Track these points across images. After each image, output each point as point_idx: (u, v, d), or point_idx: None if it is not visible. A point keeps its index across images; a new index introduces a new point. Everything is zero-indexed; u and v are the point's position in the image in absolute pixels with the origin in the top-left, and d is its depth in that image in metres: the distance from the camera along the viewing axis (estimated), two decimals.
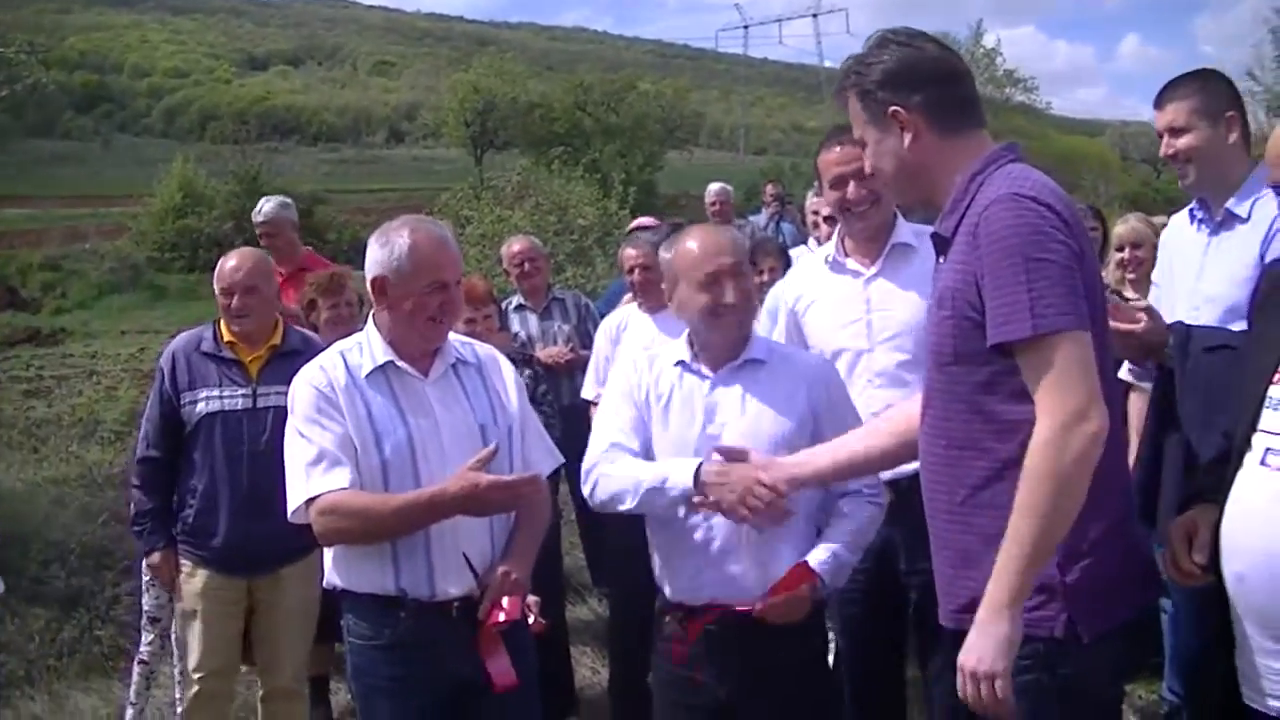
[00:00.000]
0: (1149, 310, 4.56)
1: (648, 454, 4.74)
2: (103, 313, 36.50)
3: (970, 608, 3.42)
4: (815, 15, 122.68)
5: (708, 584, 4.60)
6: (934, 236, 3.78)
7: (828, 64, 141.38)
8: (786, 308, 5.72)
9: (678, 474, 4.46)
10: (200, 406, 6.44)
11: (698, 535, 4.62)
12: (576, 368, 9.08)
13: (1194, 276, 5.36)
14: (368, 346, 4.70)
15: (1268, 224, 5.10)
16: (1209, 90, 5.40)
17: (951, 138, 3.68)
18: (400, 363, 4.66)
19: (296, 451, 4.54)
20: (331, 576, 4.72)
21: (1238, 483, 3.23)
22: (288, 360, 6.33)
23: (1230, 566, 3.24)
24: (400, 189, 70.69)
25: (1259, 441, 3.17)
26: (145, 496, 6.55)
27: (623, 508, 4.61)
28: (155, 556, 6.52)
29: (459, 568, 4.57)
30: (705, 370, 4.76)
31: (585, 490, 4.76)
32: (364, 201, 64.31)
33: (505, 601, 4.50)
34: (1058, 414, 3.29)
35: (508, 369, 5.04)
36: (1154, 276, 6.15)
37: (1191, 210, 5.61)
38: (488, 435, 4.70)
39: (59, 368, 22.55)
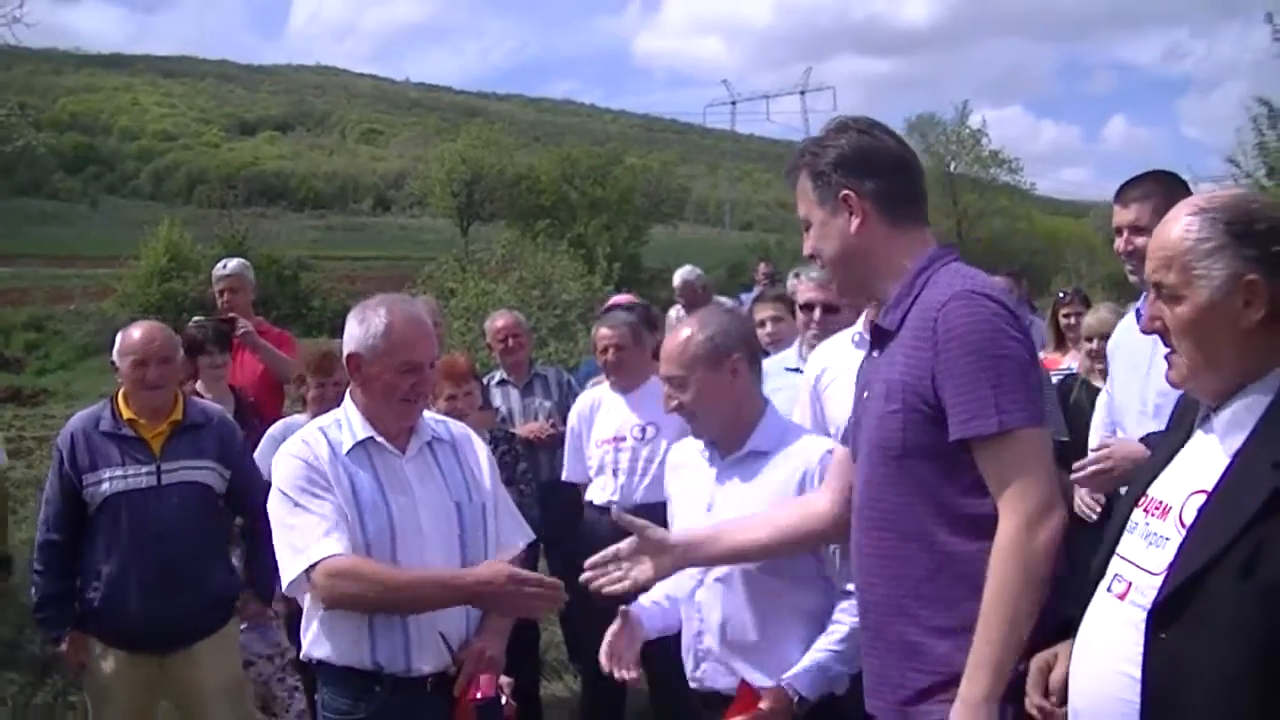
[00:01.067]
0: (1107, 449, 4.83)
1: None
2: (85, 374, 36.27)
3: (919, 698, 3.49)
4: (803, 92, 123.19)
5: (706, 676, 4.61)
6: (874, 329, 3.80)
7: None
8: (808, 385, 5.68)
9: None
10: (104, 487, 6.21)
11: (692, 627, 4.65)
12: (557, 444, 8.85)
13: (1143, 376, 5.31)
14: (346, 423, 4.67)
15: None
16: (1171, 193, 5.18)
17: (898, 228, 3.71)
18: (379, 439, 4.63)
19: (291, 520, 4.48)
20: (310, 649, 4.65)
21: (1089, 609, 3.11)
22: (190, 434, 6.38)
23: (1072, 702, 3.12)
24: (386, 257, 70.95)
25: (1113, 566, 3.06)
26: (47, 581, 6.32)
27: None
28: (63, 643, 6.31)
29: (435, 642, 4.54)
30: (717, 457, 4.69)
31: None
32: (350, 269, 64.64)
33: (481, 679, 4.52)
34: (1023, 510, 3.34)
35: (480, 446, 5.03)
36: (1107, 381, 6.18)
37: (1138, 310, 5.52)
38: (463, 513, 4.69)
39: (40, 428, 22.53)
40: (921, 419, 3.52)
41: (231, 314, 9.67)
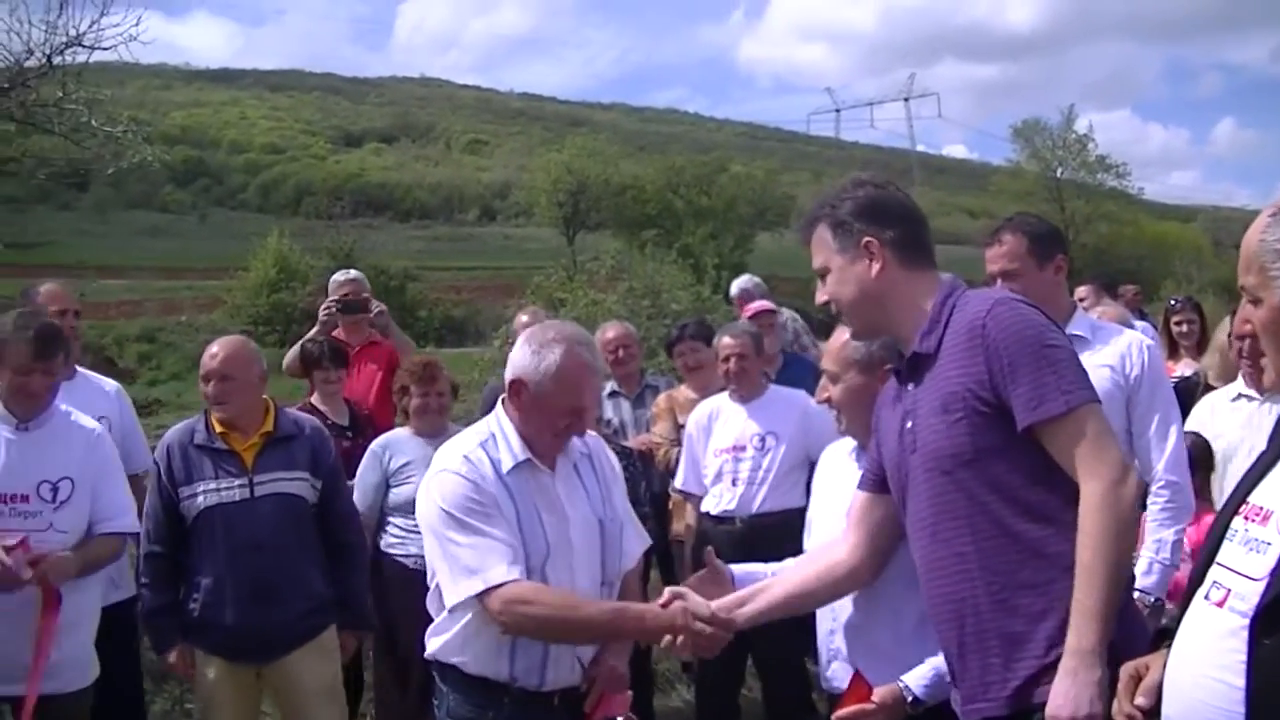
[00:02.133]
0: None
1: None
2: (196, 385, 36.70)
3: (1029, 685, 3.67)
4: (907, 99, 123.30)
5: (835, 676, 4.74)
6: (913, 357, 4.00)
7: (920, 148, 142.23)
8: None
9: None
10: (199, 500, 6.33)
11: (825, 625, 4.81)
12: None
13: None
14: (505, 442, 4.66)
15: None
16: None
17: (912, 271, 4.02)
18: (534, 460, 4.64)
19: (462, 539, 4.47)
20: (440, 653, 4.67)
21: (1185, 618, 3.08)
22: (282, 446, 6.46)
23: (1166, 711, 3.09)
24: (492, 268, 71.34)
25: (1211, 574, 3.03)
26: (153, 594, 6.43)
27: None
28: (171, 654, 6.42)
29: (570, 659, 4.58)
30: (863, 460, 4.73)
31: None
32: (456, 279, 65.01)
33: (613, 699, 4.58)
34: (1105, 474, 3.62)
35: (612, 456, 5.09)
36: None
37: None
38: (605, 529, 4.74)
39: (152, 439, 22.63)
40: (984, 420, 3.77)
41: (365, 295, 9.88)
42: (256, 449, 6.43)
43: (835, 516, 4.69)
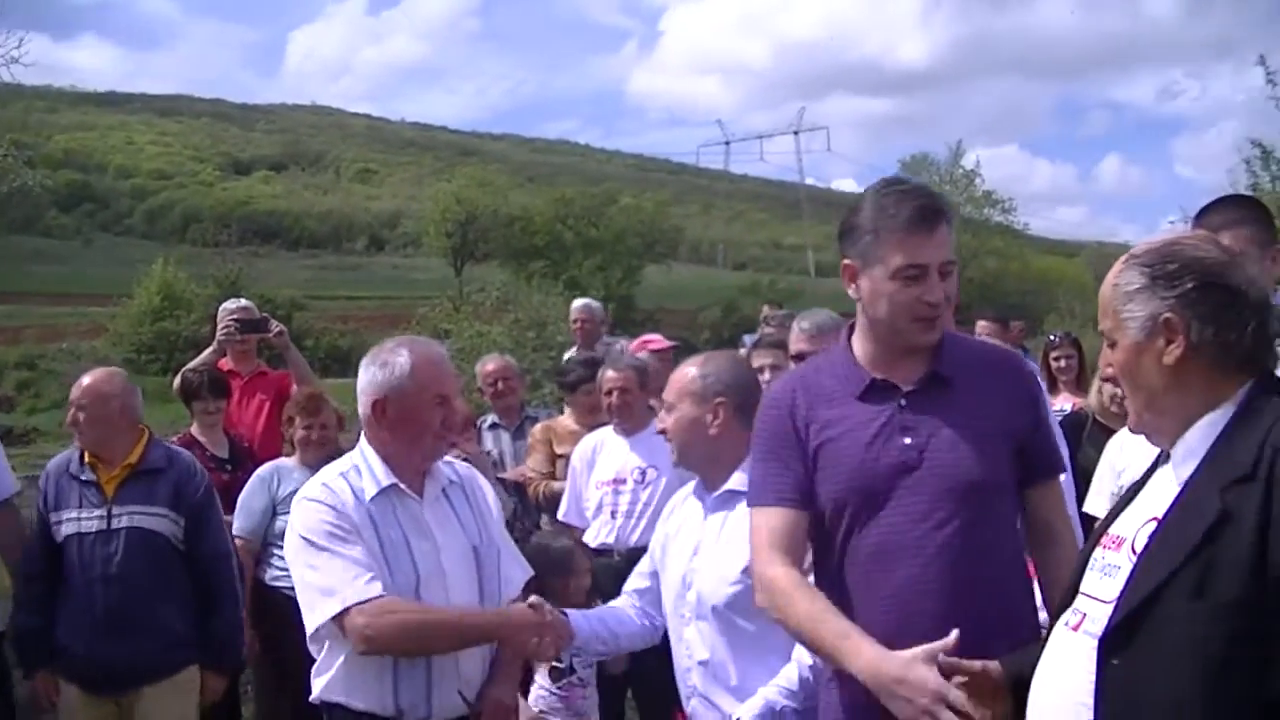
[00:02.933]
0: None
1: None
2: None
3: None
4: (797, 133, 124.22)
5: (695, 713, 4.73)
6: (933, 376, 3.94)
7: (809, 181, 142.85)
8: None
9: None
10: (64, 528, 6.39)
11: (682, 664, 4.77)
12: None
13: None
14: (367, 469, 4.66)
15: None
16: (1265, 221, 5.32)
17: None
18: (401, 485, 4.64)
19: (319, 563, 4.47)
20: (325, 693, 4.61)
21: (1048, 644, 3.20)
22: (145, 480, 6.44)
23: None
24: (379, 297, 71.05)
25: (1075, 603, 3.14)
26: (25, 615, 6.46)
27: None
28: (35, 677, 6.46)
29: (453, 689, 4.58)
30: (705, 494, 4.84)
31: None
32: (344, 309, 64.66)
33: None
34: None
35: (487, 485, 5.09)
36: None
37: None
38: (480, 556, 4.73)
39: (30, 468, 22.42)
40: (1009, 455, 3.88)
41: (264, 315, 9.93)
42: (118, 481, 6.43)
43: (683, 562, 4.75)
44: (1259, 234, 5.14)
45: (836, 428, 3.93)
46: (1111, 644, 2.88)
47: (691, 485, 5.00)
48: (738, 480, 4.67)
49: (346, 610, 4.36)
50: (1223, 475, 2.83)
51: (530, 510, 8.97)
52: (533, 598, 4.67)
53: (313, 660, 4.66)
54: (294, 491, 6.88)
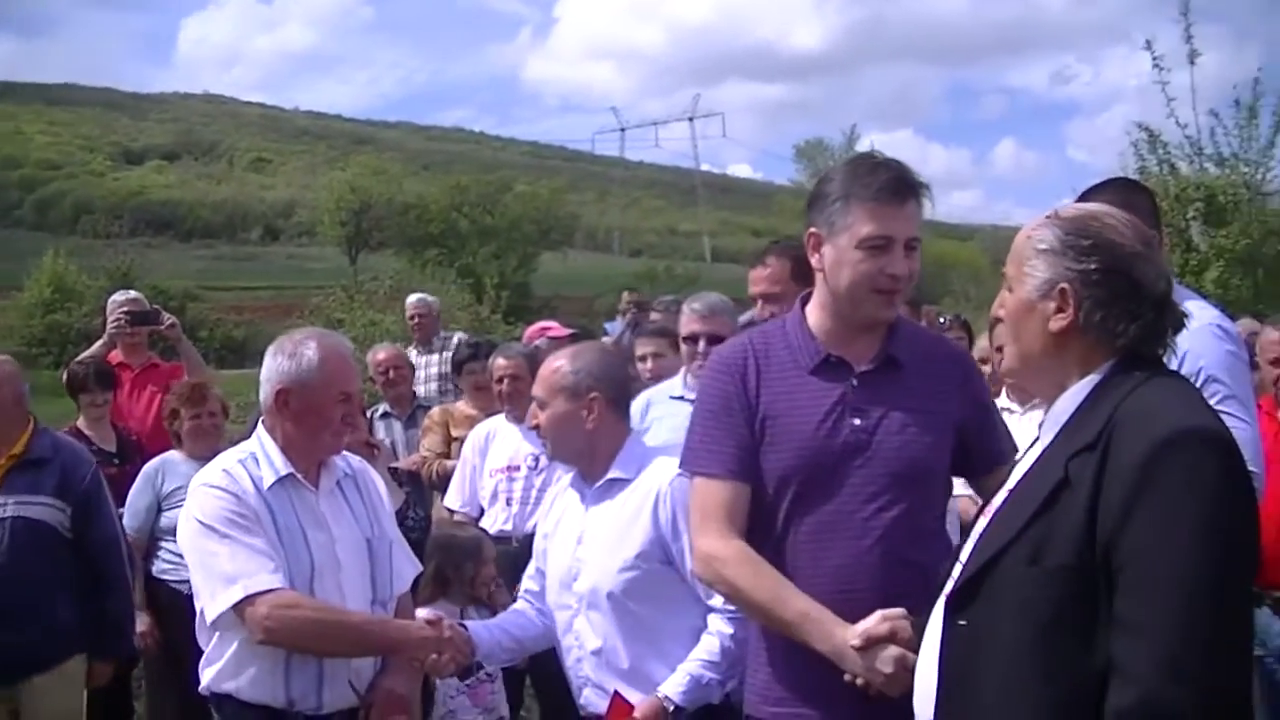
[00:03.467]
0: None
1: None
2: None
3: None
4: (692, 119, 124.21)
5: (589, 702, 4.72)
6: (890, 360, 3.94)
7: (705, 167, 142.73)
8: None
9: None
10: None
11: (572, 655, 4.78)
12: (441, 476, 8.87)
13: None
14: (265, 458, 4.64)
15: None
16: (1149, 204, 5.28)
17: None
18: (298, 475, 4.64)
19: (219, 549, 4.43)
20: (214, 683, 4.60)
21: (931, 618, 3.20)
22: (31, 470, 6.36)
23: (916, 706, 3.21)
24: (274, 287, 70.40)
25: (954, 569, 3.17)
26: None
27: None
28: None
29: (344, 681, 4.58)
30: (584, 486, 4.85)
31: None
32: (238, 299, 64.11)
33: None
34: None
35: (378, 478, 5.11)
36: None
37: None
38: (373, 548, 4.75)
39: None
40: (952, 443, 3.96)
41: (155, 306, 9.78)
42: (3, 470, 6.33)
43: (567, 552, 4.76)
44: (1140, 220, 5.31)
45: (786, 401, 3.89)
46: (956, 604, 2.99)
47: (568, 478, 5.01)
48: (617, 469, 4.74)
49: (248, 599, 4.34)
50: (1072, 444, 2.90)
51: (424, 500, 8.96)
52: (430, 613, 4.71)
53: (202, 652, 4.66)
54: (180, 487, 7.23)
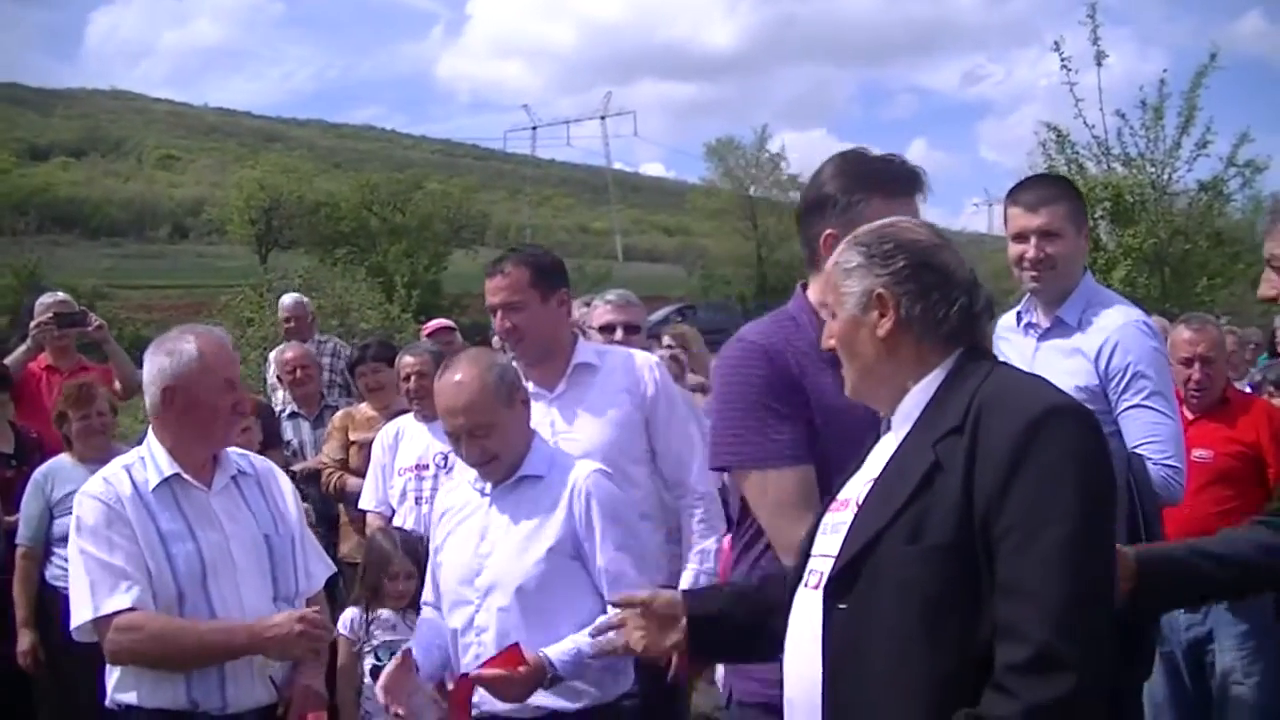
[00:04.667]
0: None
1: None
2: None
3: None
4: (604, 118, 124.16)
5: (486, 700, 4.67)
6: None
7: (616, 165, 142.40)
8: None
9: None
10: None
11: (471, 652, 4.80)
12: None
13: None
14: (150, 460, 4.65)
15: (1103, 335, 5.11)
16: (1077, 199, 5.44)
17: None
18: (185, 475, 4.62)
19: (85, 566, 4.46)
20: (117, 694, 4.58)
21: (792, 608, 3.30)
22: None
23: (785, 695, 3.29)
24: (183, 286, 69.80)
25: (809, 565, 3.27)
26: None
27: None
28: None
29: (250, 678, 4.57)
30: (487, 489, 4.89)
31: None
32: (147, 298, 63.50)
33: (309, 717, 4.63)
34: None
35: (284, 479, 5.10)
36: None
37: (1019, 313, 5.55)
38: (272, 545, 4.75)
39: None
40: None
41: (83, 308, 9.73)
42: None
43: (469, 552, 4.83)
44: (1072, 212, 5.32)
45: (825, 389, 3.77)
46: (835, 590, 3.04)
47: (454, 482, 5.17)
48: (528, 467, 4.84)
49: (100, 620, 4.41)
50: (934, 430, 3.02)
51: (327, 501, 9.04)
52: (306, 610, 4.63)
53: (95, 660, 4.66)
54: (71, 492, 6.73)
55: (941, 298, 3.14)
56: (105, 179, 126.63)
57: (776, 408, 3.88)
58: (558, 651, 4.59)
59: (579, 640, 4.59)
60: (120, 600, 4.39)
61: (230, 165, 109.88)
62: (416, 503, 7.80)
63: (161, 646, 4.45)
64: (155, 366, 4.67)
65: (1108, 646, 2.81)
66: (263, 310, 26.40)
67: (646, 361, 5.99)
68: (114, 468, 4.70)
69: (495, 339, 8.69)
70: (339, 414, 9.39)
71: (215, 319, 24.70)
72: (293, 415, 9.86)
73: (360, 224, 63.53)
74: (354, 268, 45.12)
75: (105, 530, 4.47)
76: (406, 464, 7.94)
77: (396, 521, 7.77)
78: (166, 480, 4.61)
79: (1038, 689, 2.71)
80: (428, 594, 5.20)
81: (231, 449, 4.92)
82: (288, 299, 12.79)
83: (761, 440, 3.89)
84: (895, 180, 4.04)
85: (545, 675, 4.55)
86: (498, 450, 4.79)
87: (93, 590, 4.43)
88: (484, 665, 4.57)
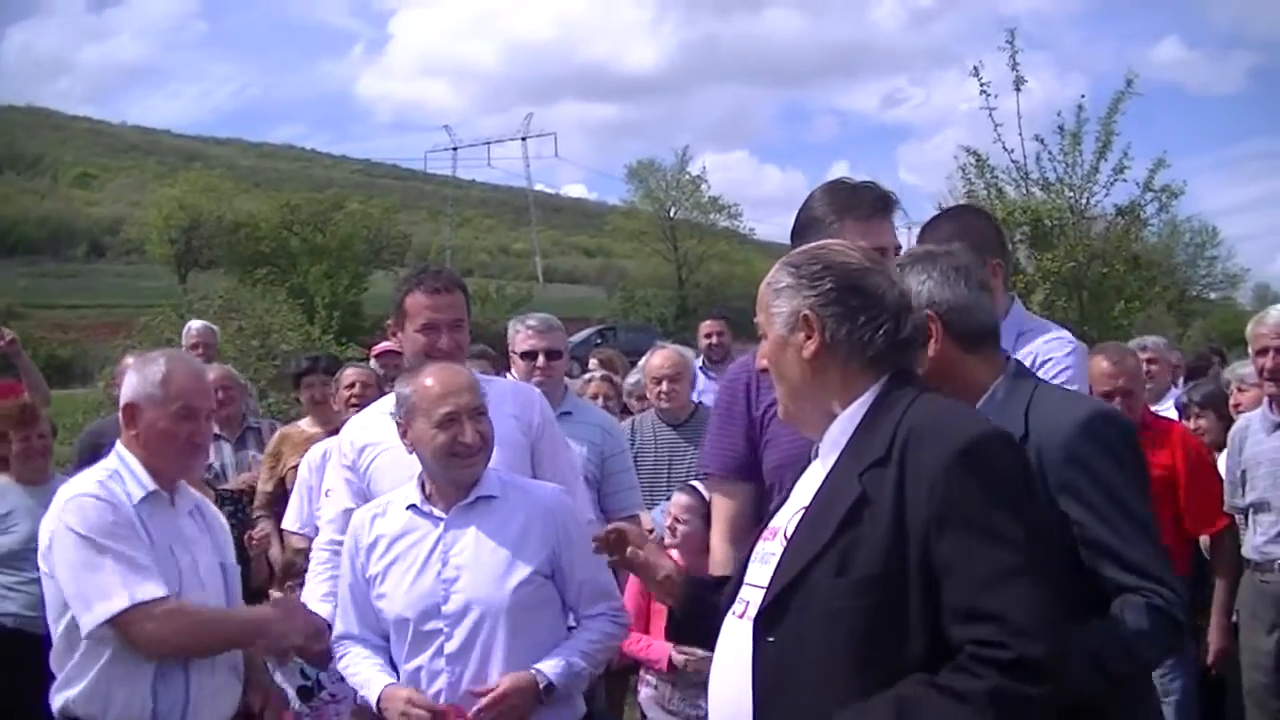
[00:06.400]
0: None
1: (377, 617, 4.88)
2: None
3: None
4: (524, 139, 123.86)
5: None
6: None
7: (537, 186, 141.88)
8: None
9: (371, 691, 4.70)
10: None
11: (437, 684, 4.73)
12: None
13: None
14: (129, 474, 4.68)
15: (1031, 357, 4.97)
16: (977, 229, 5.16)
17: None
18: (163, 493, 4.72)
19: (99, 561, 4.46)
20: (73, 705, 4.58)
21: (720, 637, 3.35)
22: None
23: (711, 718, 3.37)
24: (101, 305, 69.00)
25: (740, 594, 3.33)
26: None
27: None
28: None
29: (212, 694, 4.68)
30: (438, 512, 4.78)
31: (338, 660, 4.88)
32: (63, 318, 62.91)
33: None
34: None
35: (216, 510, 5.26)
36: None
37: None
38: (226, 571, 4.91)
39: None
40: None
41: None
42: None
43: (429, 576, 4.73)
44: (980, 241, 5.06)
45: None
46: (765, 622, 3.10)
47: (375, 506, 4.97)
48: (483, 487, 4.80)
49: (134, 608, 4.41)
50: (861, 460, 3.05)
51: (250, 522, 8.82)
52: (278, 595, 4.88)
53: (26, 690, 4.83)
54: (9, 513, 7.31)
55: (868, 321, 3.20)
56: (21, 196, 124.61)
57: (725, 426, 4.51)
58: (550, 666, 4.67)
59: (565, 653, 4.74)
60: (155, 589, 4.46)
61: (149, 184, 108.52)
62: None
63: (196, 633, 4.58)
64: (126, 381, 4.79)
65: (1065, 640, 2.93)
66: (182, 331, 26.18)
67: (531, 391, 6.02)
68: (101, 476, 4.71)
69: (372, 361, 8.73)
70: (276, 435, 9.42)
71: (134, 339, 24.55)
72: (215, 437, 9.41)
73: (280, 244, 63.15)
74: (275, 288, 44.93)
75: (114, 529, 4.52)
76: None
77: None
78: (149, 495, 4.69)
79: (1007, 679, 2.81)
80: (347, 626, 5.01)
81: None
82: (196, 323, 12.60)
83: (711, 453, 4.60)
84: (863, 204, 4.37)
85: (538, 687, 4.62)
86: (489, 438, 4.79)
87: (116, 584, 4.43)
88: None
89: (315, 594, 5.40)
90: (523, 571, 4.71)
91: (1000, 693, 2.81)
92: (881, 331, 3.20)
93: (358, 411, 7.34)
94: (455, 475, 4.76)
